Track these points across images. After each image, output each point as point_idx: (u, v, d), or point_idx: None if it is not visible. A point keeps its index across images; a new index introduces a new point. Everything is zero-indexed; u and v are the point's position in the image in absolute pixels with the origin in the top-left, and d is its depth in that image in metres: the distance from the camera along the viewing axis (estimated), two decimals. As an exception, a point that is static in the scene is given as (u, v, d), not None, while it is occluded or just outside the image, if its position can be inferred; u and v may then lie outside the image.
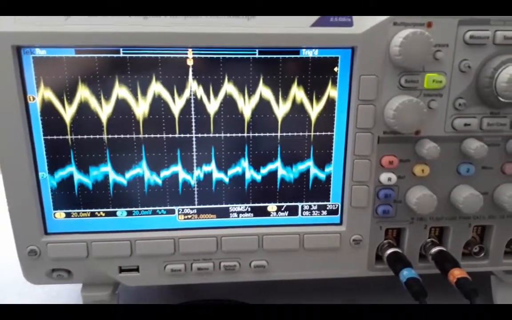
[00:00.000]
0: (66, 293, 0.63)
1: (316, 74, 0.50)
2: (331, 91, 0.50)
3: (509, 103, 0.49)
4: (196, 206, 0.54)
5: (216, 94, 0.50)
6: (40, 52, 0.47)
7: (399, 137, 0.51)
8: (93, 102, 0.49)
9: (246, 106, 0.50)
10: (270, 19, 0.47)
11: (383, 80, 0.49)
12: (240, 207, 0.54)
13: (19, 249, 0.52)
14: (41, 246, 0.52)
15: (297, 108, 0.51)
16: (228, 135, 0.51)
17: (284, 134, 0.52)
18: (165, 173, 0.52)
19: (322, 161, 0.53)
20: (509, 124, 0.51)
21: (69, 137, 0.50)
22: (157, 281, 0.55)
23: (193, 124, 0.51)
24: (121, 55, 0.48)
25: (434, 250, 0.54)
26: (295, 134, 0.52)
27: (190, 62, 0.49)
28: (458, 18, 0.47)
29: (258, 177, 0.53)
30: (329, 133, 0.52)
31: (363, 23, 0.48)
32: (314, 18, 0.47)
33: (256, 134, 0.51)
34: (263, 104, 0.51)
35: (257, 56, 0.49)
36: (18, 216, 0.51)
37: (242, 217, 0.55)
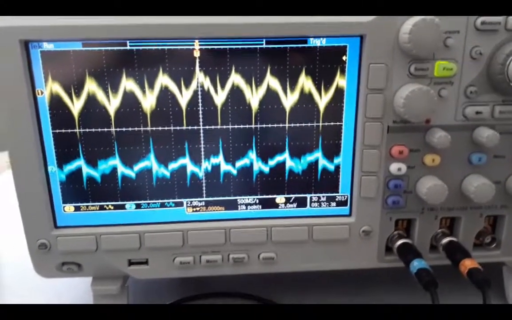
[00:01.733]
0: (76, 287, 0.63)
1: (324, 64, 0.49)
2: (340, 81, 0.50)
3: (521, 90, 0.48)
4: (204, 198, 0.54)
5: (223, 85, 0.50)
6: (48, 46, 0.47)
7: (409, 126, 0.50)
8: (100, 95, 0.49)
9: (254, 97, 0.50)
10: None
11: (392, 69, 0.48)
12: (249, 199, 0.54)
13: (29, 243, 0.53)
14: (51, 239, 0.52)
15: (305, 98, 0.50)
16: (235, 126, 0.51)
17: (292, 125, 0.51)
18: (173, 165, 0.52)
19: (331, 151, 0.52)
20: (521, 111, 0.50)
21: (77, 130, 0.50)
22: (166, 273, 0.55)
23: (201, 116, 0.50)
24: (128, 47, 0.48)
25: (445, 240, 0.53)
26: (303, 124, 0.51)
27: (196, 54, 0.48)
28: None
29: (266, 169, 0.53)
30: (337, 123, 0.51)
31: (372, 11, 0.47)
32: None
33: (264, 125, 0.51)
34: (270, 95, 0.50)
35: (264, 46, 0.49)
36: (28, 210, 0.51)
37: (250, 209, 0.54)
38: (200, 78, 0.49)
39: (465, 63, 0.48)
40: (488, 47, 0.48)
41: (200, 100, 0.50)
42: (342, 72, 0.50)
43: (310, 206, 0.55)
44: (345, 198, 0.54)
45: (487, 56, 0.48)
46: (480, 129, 0.50)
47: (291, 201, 0.54)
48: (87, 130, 0.50)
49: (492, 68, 0.48)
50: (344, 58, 0.49)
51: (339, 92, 0.50)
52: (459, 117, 0.50)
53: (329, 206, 0.55)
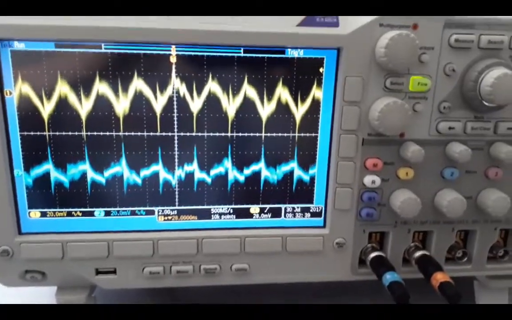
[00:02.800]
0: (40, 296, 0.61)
1: (302, 74, 0.49)
2: (316, 92, 0.50)
3: (493, 107, 0.49)
4: (177, 207, 0.53)
5: (199, 92, 0.49)
6: (19, 46, 0.46)
7: (383, 139, 0.50)
8: (72, 98, 0.48)
9: (230, 106, 0.50)
10: (256, 17, 0.46)
11: (368, 82, 0.49)
12: (222, 208, 0.53)
13: (-9, 249, 0.50)
14: (14, 246, 0.50)
15: (282, 109, 0.50)
16: (211, 134, 0.50)
17: (269, 134, 0.51)
18: (145, 172, 0.51)
19: (306, 162, 0.52)
20: (493, 128, 0.51)
21: (46, 133, 0.48)
22: (135, 283, 0.54)
23: (175, 122, 0.50)
24: (103, 50, 0.47)
25: (418, 254, 0.54)
26: (280, 134, 0.51)
27: (173, 59, 0.48)
28: (443, 21, 0.47)
29: (242, 178, 0.52)
30: (313, 134, 0.51)
31: (349, 24, 0.47)
32: (300, 18, 0.47)
33: (240, 134, 0.51)
34: (247, 104, 0.50)
35: (242, 54, 0.48)
36: (-9, 214, 0.49)
37: (224, 218, 0.53)
38: (176, 84, 0.48)
39: (439, 79, 0.49)
40: (461, 64, 0.49)
41: (175, 106, 0.49)
42: (319, 83, 0.50)
43: (285, 216, 0.54)
44: (320, 210, 0.54)
45: (460, 73, 0.49)
46: (452, 145, 0.50)
47: (265, 211, 0.54)
48: (57, 133, 0.48)
49: (465, 85, 0.49)
50: (321, 70, 0.49)
51: (315, 103, 0.50)
52: (433, 132, 0.50)
53: (304, 217, 0.54)
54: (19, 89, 0.47)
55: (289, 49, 0.49)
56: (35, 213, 0.51)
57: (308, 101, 0.50)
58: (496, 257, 0.57)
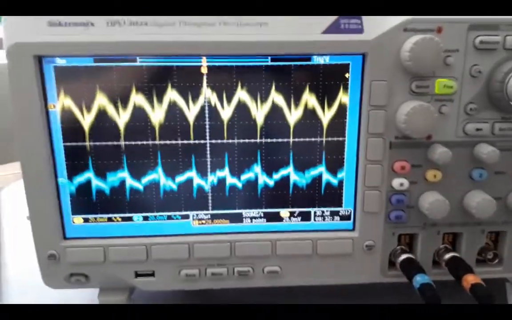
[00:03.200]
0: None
1: (328, 80, 0.51)
2: (343, 97, 0.51)
3: (520, 107, 0.49)
4: (210, 211, 0.55)
5: (229, 101, 0.51)
6: (61, 62, 0.49)
7: (410, 142, 0.51)
8: (110, 110, 0.50)
9: (259, 113, 0.52)
10: (282, 26, 0.48)
11: (394, 86, 0.49)
12: (253, 212, 0.55)
13: (39, 253, 0.54)
14: (60, 250, 0.53)
15: (309, 114, 0.52)
16: (241, 141, 0.52)
17: (296, 139, 0.52)
18: (180, 178, 0.53)
19: (334, 166, 0.54)
20: (521, 128, 0.51)
21: (87, 143, 0.51)
22: (172, 285, 0.56)
23: (207, 130, 0.52)
24: (138, 63, 0.49)
25: (448, 256, 0.54)
26: (307, 139, 0.53)
27: (204, 70, 0.50)
28: (468, 23, 0.48)
29: (271, 183, 0.54)
30: (341, 138, 0.53)
31: (374, 30, 0.48)
32: (325, 25, 0.48)
33: (269, 140, 0.52)
34: (275, 111, 0.52)
35: (269, 63, 0.50)
36: (38, 221, 0.52)
37: (255, 222, 0.55)
38: (207, 94, 0.51)
39: (464, 81, 0.49)
40: (487, 65, 0.49)
41: (207, 115, 0.51)
42: (345, 89, 0.51)
43: (314, 220, 0.55)
44: (349, 213, 0.55)
45: (486, 74, 0.49)
46: (480, 146, 0.51)
47: (295, 215, 0.55)
48: (97, 143, 0.51)
49: (491, 86, 0.49)
50: (347, 75, 0.51)
51: (342, 108, 0.52)
52: (460, 133, 0.51)
53: (333, 220, 0.55)
54: (61, 102, 0.50)
55: (315, 56, 0.50)
56: (78, 219, 0.54)
57: (335, 106, 0.52)
58: (529, 258, 0.56)
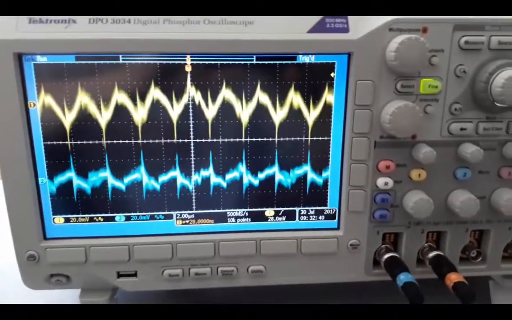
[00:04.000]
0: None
1: (313, 80, 0.50)
2: (328, 96, 0.51)
3: (504, 107, 0.49)
4: (194, 211, 0.54)
5: (214, 99, 0.50)
6: (41, 59, 0.48)
7: (395, 141, 0.51)
8: (92, 108, 0.50)
9: (244, 112, 0.51)
10: (267, 25, 0.48)
11: (379, 85, 0.49)
12: (238, 212, 0.55)
13: (18, 254, 0.53)
14: (40, 251, 0.52)
15: (294, 113, 0.51)
16: (226, 140, 0.52)
17: (282, 139, 0.52)
18: (163, 178, 0.52)
19: (319, 166, 0.53)
20: (505, 128, 0.51)
21: (68, 142, 0.50)
22: (155, 286, 0.55)
23: (191, 129, 0.51)
24: (121, 61, 0.48)
25: (432, 254, 0.54)
26: (292, 139, 0.52)
27: (188, 68, 0.49)
28: (453, 23, 0.48)
29: (256, 182, 0.53)
30: (326, 138, 0.52)
31: (359, 29, 0.48)
32: (311, 24, 0.48)
33: (254, 139, 0.52)
34: (260, 110, 0.51)
35: (254, 62, 0.50)
36: (18, 221, 0.51)
37: (239, 222, 0.55)
38: (192, 92, 0.50)
39: (449, 81, 0.49)
40: (472, 65, 0.49)
41: (191, 114, 0.51)
42: (330, 88, 0.51)
43: (299, 219, 0.55)
44: (333, 212, 0.55)
45: (471, 74, 0.49)
46: (464, 145, 0.51)
47: (280, 214, 0.55)
48: (78, 142, 0.50)
49: (476, 86, 0.49)
50: (332, 74, 0.50)
51: (327, 107, 0.51)
52: (445, 133, 0.51)
53: (318, 220, 0.55)
54: (42, 101, 0.49)
55: (300, 56, 0.50)
56: (59, 219, 0.53)
57: (320, 105, 0.51)
58: (511, 256, 0.57)
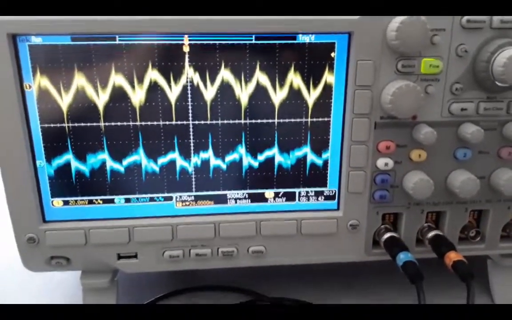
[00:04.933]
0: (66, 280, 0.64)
1: (313, 60, 0.50)
2: (328, 77, 0.50)
3: (505, 87, 0.49)
4: (194, 193, 0.54)
5: (212, 80, 0.50)
6: (36, 40, 0.47)
7: (396, 122, 0.51)
8: (89, 90, 0.49)
9: (243, 93, 0.50)
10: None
11: (380, 65, 0.49)
12: (238, 193, 0.54)
13: (17, 237, 0.52)
14: (39, 234, 0.52)
15: (294, 94, 0.51)
16: (225, 121, 0.51)
17: (281, 120, 0.52)
18: (162, 160, 0.52)
19: (319, 147, 0.53)
20: (505, 108, 0.51)
21: (66, 125, 0.50)
22: (155, 267, 0.56)
23: (190, 111, 0.51)
24: (117, 42, 0.48)
25: (431, 234, 0.54)
26: (292, 120, 0.52)
27: (186, 49, 0.49)
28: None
29: (255, 164, 0.53)
30: (326, 119, 0.52)
31: (360, 8, 0.47)
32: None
33: (253, 121, 0.51)
34: (260, 91, 0.50)
35: (253, 42, 0.49)
36: (16, 204, 0.51)
37: (239, 203, 0.55)
38: (190, 73, 0.49)
39: (451, 60, 0.49)
40: (473, 45, 0.49)
41: (189, 95, 0.50)
42: (331, 68, 0.50)
43: (299, 200, 0.55)
44: (333, 193, 0.55)
45: (472, 54, 0.49)
46: (465, 125, 0.51)
47: (280, 195, 0.55)
48: (76, 124, 0.50)
49: (477, 65, 0.49)
50: (332, 54, 0.50)
51: (327, 88, 0.51)
52: (445, 113, 0.51)
53: (318, 201, 0.55)
54: (38, 82, 0.48)
55: (300, 35, 0.49)
56: (58, 202, 0.53)
57: (320, 86, 0.51)
58: (510, 236, 0.57)
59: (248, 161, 0.53)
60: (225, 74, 0.50)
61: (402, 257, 0.51)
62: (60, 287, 0.64)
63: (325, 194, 0.55)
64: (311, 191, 0.55)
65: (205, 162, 0.53)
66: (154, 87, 0.49)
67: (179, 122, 0.51)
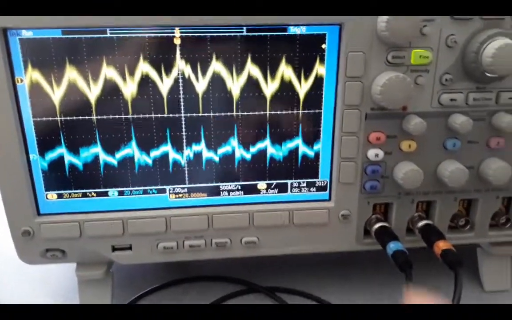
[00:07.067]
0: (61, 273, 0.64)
1: (304, 51, 0.50)
2: (319, 69, 0.51)
3: (494, 77, 0.49)
4: (187, 185, 0.54)
5: (204, 73, 0.50)
6: (27, 34, 0.47)
7: (386, 113, 0.51)
8: (81, 83, 0.49)
9: (235, 85, 0.51)
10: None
11: (370, 57, 0.49)
12: (231, 185, 0.55)
13: (12, 230, 0.53)
14: (34, 227, 0.53)
15: (286, 86, 0.51)
16: (217, 114, 0.52)
17: (273, 112, 0.52)
18: (155, 153, 0.52)
19: (311, 138, 0.53)
20: (494, 98, 0.51)
21: (58, 118, 0.50)
22: (150, 259, 0.56)
23: (182, 103, 0.51)
24: (108, 35, 0.48)
25: (421, 223, 0.55)
26: (284, 112, 0.52)
27: (177, 41, 0.49)
28: (444, -6, 0.47)
29: (248, 156, 0.54)
30: (317, 110, 0.52)
31: (350, 0, 0.48)
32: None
33: (245, 113, 0.52)
34: (251, 83, 0.51)
35: (244, 33, 0.49)
36: (11, 198, 0.51)
37: (232, 195, 0.55)
38: (181, 66, 0.49)
39: (440, 51, 0.49)
40: (463, 35, 0.49)
41: (181, 88, 0.50)
42: (322, 60, 0.50)
43: (291, 191, 0.56)
44: (325, 184, 0.56)
45: (462, 45, 0.49)
46: (454, 116, 0.51)
47: (272, 187, 0.55)
48: (68, 118, 0.50)
49: (466, 56, 0.49)
50: (323, 46, 0.50)
51: (318, 80, 0.51)
52: (435, 104, 0.51)
53: (309, 192, 0.56)
54: (29, 76, 0.48)
55: (291, 27, 0.49)
56: (52, 195, 0.53)
57: (311, 77, 0.51)
58: (499, 225, 0.58)
59: (240, 153, 0.53)
60: (216, 66, 0.50)
61: (392, 246, 0.52)
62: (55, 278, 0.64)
63: (316, 185, 0.56)
64: (303, 182, 0.55)
65: (198, 155, 0.53)
66: (145, 80, 0.49)
67: (171, 115, 0.51)
